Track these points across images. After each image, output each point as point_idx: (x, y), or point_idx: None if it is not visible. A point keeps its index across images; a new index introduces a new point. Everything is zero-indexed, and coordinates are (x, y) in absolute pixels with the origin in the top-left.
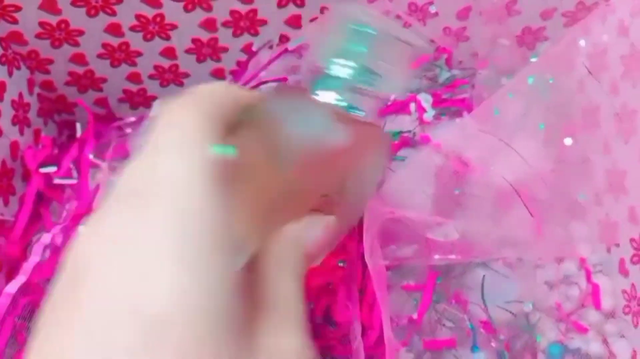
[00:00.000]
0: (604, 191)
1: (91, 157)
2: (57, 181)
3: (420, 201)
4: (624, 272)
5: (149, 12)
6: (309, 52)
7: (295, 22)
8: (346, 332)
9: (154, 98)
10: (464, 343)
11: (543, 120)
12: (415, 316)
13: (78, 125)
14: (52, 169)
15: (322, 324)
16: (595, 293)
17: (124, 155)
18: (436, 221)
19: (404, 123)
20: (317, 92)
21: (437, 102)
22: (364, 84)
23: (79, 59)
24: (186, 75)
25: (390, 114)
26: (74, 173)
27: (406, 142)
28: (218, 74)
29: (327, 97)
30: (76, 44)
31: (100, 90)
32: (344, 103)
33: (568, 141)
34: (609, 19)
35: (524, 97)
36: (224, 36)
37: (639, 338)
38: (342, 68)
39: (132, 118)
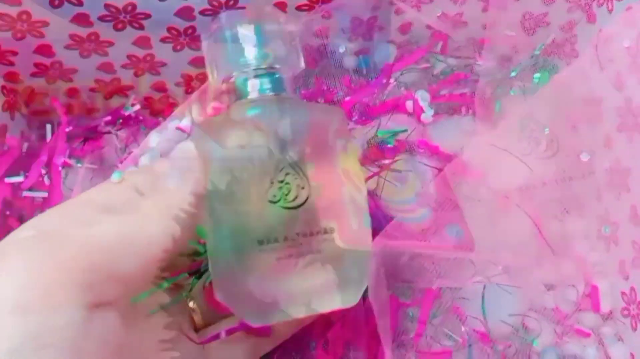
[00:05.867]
0: (604, 188)
1: (65, 158)
2: (26, 193)
3: (422, 212)
4: (624, 274)
5: (119, 1)
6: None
7: (280, 8)
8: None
9: (129, 87)
10: (459, 354)
11: (547, 122)
12: (412, 335)
13: (48, 127)
14: (19, 179)
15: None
16: (594, 295)
17: (99, 156)
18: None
19: (400, 123)
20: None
21: (435, 97)
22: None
23: (44, 50)
24: (163, 64)
25: (385, 113)
26: (45, 178)
27: (402, 146)
28: (197, 62)
29: (254, 94)
30: (41, 35)
31: (71, 80)
32: (268, 90)
33: (585, 156)
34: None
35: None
36: (202, 24)
37: (637, 342)
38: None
39: (108, 117)
